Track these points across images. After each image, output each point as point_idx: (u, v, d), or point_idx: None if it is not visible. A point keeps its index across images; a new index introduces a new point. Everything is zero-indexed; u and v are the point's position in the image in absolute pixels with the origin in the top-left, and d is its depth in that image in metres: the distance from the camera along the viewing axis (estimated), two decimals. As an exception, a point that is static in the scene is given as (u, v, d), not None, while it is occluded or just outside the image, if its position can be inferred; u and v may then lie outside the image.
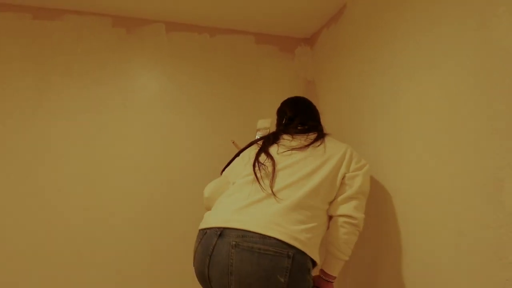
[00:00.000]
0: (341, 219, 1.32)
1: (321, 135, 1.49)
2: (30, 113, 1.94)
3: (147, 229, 2.01)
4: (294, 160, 1.37)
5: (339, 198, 1.35)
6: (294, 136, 1.47)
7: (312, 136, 1.47)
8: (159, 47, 2.18)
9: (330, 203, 1.36)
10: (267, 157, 1.38)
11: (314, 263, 1.26)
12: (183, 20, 2.21)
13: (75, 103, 2.01)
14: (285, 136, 1.49)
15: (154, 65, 2.16)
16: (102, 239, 1.94)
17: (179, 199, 2.08)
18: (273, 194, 1.25)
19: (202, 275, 1.23)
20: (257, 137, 1.71)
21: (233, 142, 1.86)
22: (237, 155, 1.57)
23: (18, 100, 1.94)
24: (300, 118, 1.56)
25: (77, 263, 1.88)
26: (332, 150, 1.42)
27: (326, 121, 1.72)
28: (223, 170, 1.57)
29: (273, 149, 1.43)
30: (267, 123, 1.79)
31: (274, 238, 1.14)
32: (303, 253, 1.17)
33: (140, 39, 2.16)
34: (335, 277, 1.36)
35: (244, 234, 1.16)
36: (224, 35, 2.30)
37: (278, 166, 1.35)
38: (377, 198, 1.61)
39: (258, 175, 1.32)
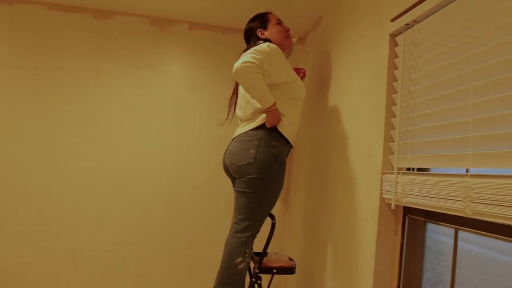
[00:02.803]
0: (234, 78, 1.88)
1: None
2: (88, 88, 2.73)
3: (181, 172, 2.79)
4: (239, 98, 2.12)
5: None
6: None
7: None
8: (184, 41, 2.88)
9: None
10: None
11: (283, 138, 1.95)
12: (202, 21, 2.88)
13: (121, 81, 2.77)
14: None
15: (179, 55, 2.88)
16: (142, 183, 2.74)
17: (196, 154, 2.88)
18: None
19: (223, 161, 2.09)
20: None
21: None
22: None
23: (78, 79, 2.72)
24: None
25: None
26: None
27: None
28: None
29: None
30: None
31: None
32: (268, 133, 1.90)
33: (170, 35, 2.87)
34: (268, 107, 1.86)
35: (238, 136, 2.00)
36: (234, 33, 2.95)
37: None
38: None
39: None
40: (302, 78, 2.24)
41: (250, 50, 1.84)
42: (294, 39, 2.37)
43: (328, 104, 2.29)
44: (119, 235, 2.71)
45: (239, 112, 2.09)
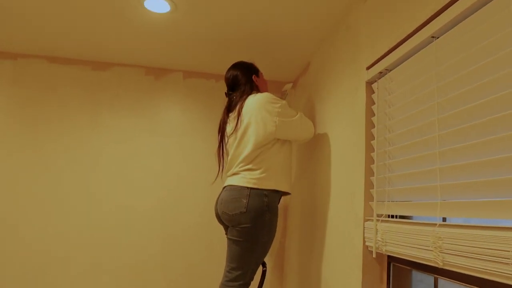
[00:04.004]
0: None
1: (238, 105, 2.03)
2: (86, 138, 2.80)
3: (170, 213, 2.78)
4: (231, 147, 2.05)
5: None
6: (229, 117, 2.10)
7: (235, 114, 2.04)
8: (178, 89, 2.97)
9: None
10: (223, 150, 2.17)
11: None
12: (196, 69, 2.98)
13: (117, 131, 2.84)
14: (228, 120, 2.11)
15: (173, 103, 2.95)
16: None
17: (187, 195, 2.86)
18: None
19: (215, 210, 2.06)
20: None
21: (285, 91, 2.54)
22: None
23: (76, 129, 2.80)
24: (229, 96, 2.14)
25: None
26: (247, 115, 1.96)
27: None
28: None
29: (228, 140, 2.09)
30: (287, 87, 2.50)
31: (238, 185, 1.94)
32: (257, 188, 1.89)
33: (164, 84, 2.96)
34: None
35: (228, 186, 1.98)
36: (227, 80, 3.04)
37: (228, 158, 2.08)
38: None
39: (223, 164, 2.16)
40: None
41: (278, 113, 1.94)
42: (289, 85, 2.45)
43: (316, 150, 2.30)
44: (112, 284, 2.68)
45: (231, 166, 2.06)
